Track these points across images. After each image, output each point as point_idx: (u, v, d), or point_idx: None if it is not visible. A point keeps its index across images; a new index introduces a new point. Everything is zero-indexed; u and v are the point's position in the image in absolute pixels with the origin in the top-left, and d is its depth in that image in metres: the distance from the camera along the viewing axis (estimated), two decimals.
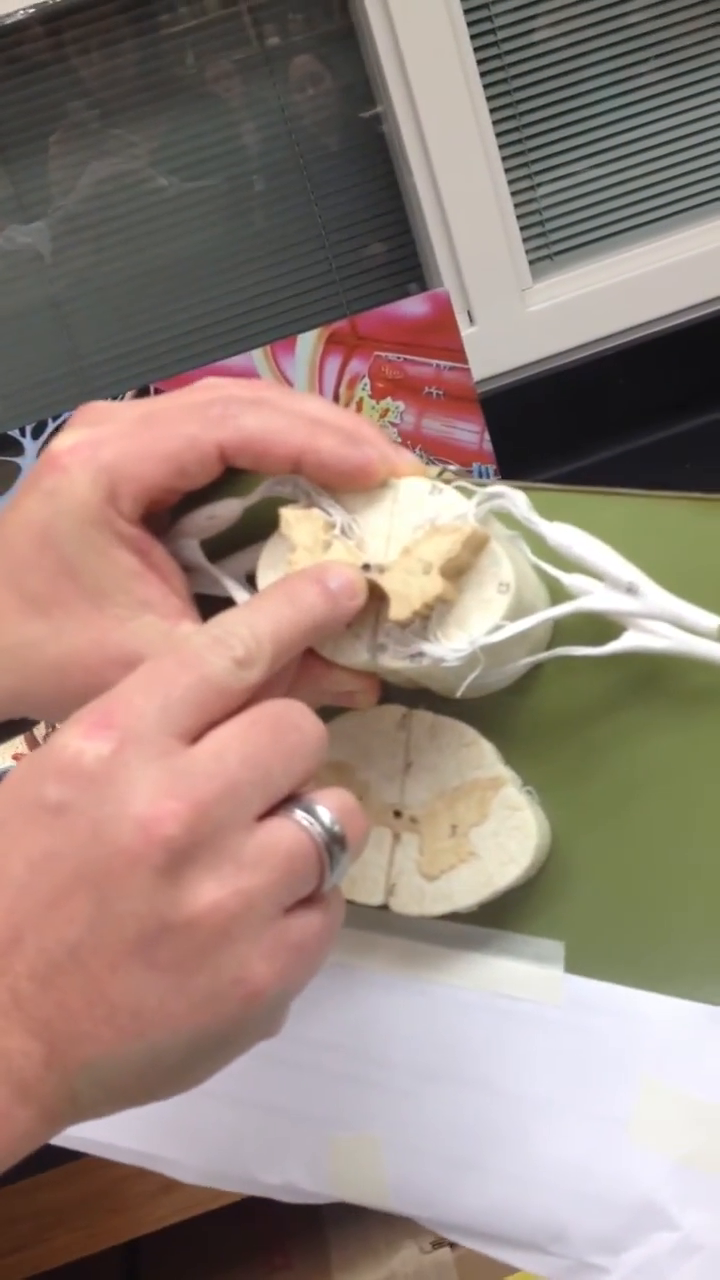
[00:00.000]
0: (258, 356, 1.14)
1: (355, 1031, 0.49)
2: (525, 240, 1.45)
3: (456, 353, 1.15)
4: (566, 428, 1.44)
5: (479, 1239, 0.47)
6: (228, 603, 0.43)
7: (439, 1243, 1.04)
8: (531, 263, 1.45)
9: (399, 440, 1.19)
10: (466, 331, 1.40)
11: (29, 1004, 0.32)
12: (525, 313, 1.44)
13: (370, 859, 0.46)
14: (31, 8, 1.29)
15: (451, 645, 0.41)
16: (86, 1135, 0.50)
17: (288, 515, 0.42)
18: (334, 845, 0.36)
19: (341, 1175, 0.49)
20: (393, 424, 1.17)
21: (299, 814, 0.35)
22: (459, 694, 0.42)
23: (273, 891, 0.34)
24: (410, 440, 1.18)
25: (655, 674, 0.44)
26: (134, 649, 0.40)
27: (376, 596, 0.41)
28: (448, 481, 0.43)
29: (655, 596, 0.42)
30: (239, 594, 0.44)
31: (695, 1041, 0.45)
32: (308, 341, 1.14)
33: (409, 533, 0.41)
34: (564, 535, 0.43)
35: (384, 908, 0.46)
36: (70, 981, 0.32)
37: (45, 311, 1.44)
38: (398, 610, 0.40)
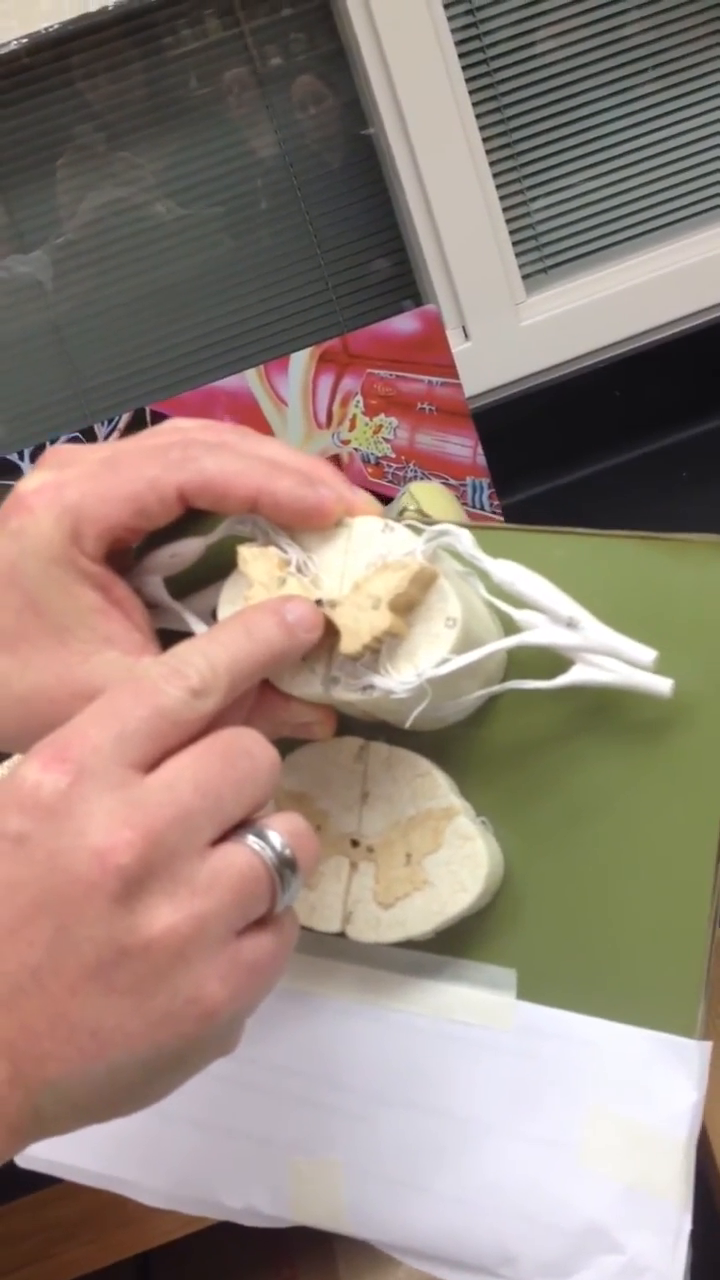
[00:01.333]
0: (251, 377, 1.15)
1: (315, 1057, 0.50)
2: (518, 254, 1.44)
3: (448, 368, 1.16)
4: (563, 440, 1.44)
5: (430, 1262, 0.48)
6: (190, 637, 0.44)
7: None
8: (525, 277, 1.45)
9: (391, 455, 1.20)
10: (461, 347, 1.40)
11: None
12: (519, 326, 1.43)
13: (328, 887, 0.47)
14: (24, 37, 1.31)
15: (400, 678, 0.42)
16: (52, 1158, 0.52)
17: (245, 553, 0.44)
18: (285, 868, 0.37)
19: (301, 1199, 0.50)
20: (387, 440, 1.18)
21: (251, 839, 0.37)
22: (408, 725, 0.44)
23: (225, 914, 0.35)
24: (404, 456, 1.19)
25: (604, 706, 0.46)
26: (96, 683, 0.41)
27: (330, 631, 0.42)
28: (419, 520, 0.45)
29: (594, 630, 0.44)
30: (200, 629, 0.45)
31: (641, 1067, 0.46)
32: (300, 360, 1.15)
33: (362, 569, 0.43)
34: (507, 572, 0.44)
35: (342, 935, 0.48)
36: (32, 1004, 0.34)
37: (45, 337, 1.45)
38: (348, 644, 0.42)
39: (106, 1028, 0.34)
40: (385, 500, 1.20)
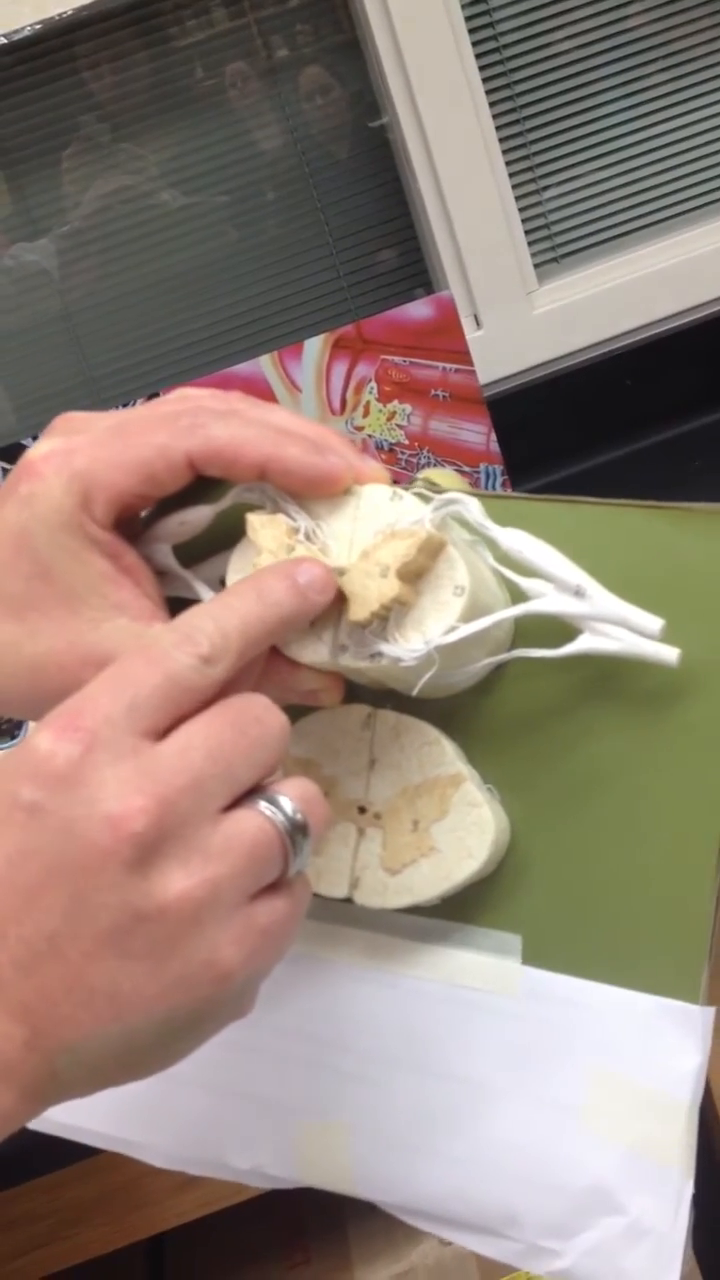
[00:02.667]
0: (265, 362, 1.14)
1: (324, 1021, 0.50)
2: (530, 244, 1.44)
3: (462, 355, 1.16)
4: (574, 429, 1.43)
5: (437, 1223, 0.48)
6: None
7: None
8: (537, 266, 1.45)
9: (404, 441, 1.20)
10: (473, 335, 1.40)
11: (11, 990, 0.34)
12: (531, 315, 1.43)
13: (335, 853, 0.47)
14: (39, 23, 1.31)
15: (408, 646, 0.42)
16: (63, 1120, 0.52)
17: (253, 520, 0.43)
18: (296, 833, 0.37)
19: (309, 1161, 0.50)
20: (400, 426, 1.18)
21: (262, 804, 0.37)
22: (415, 692, 0.43)
23: (239, 879, 0.35)
24: (418, 442, 1.19)
25: (611, 675, 0.45)
26: (107, 650, 0.41)
27: (338, 599, 0.42)
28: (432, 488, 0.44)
29: (601, 599, 0.44)
30: (208, 597, 0.45)
31: (645, 1032, 0.46)
32: (314, 347, 1.15)
33: (370, 538, 0.43)
34: (515, 540, 0.44)
35: (349, 901, 0.48)
36: (49, 969, 0.34)
37: (56, 324, 1.45)
38: (356, 611, 0.42)
39: (123, 991, 0.34)
40: None
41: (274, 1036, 0.50)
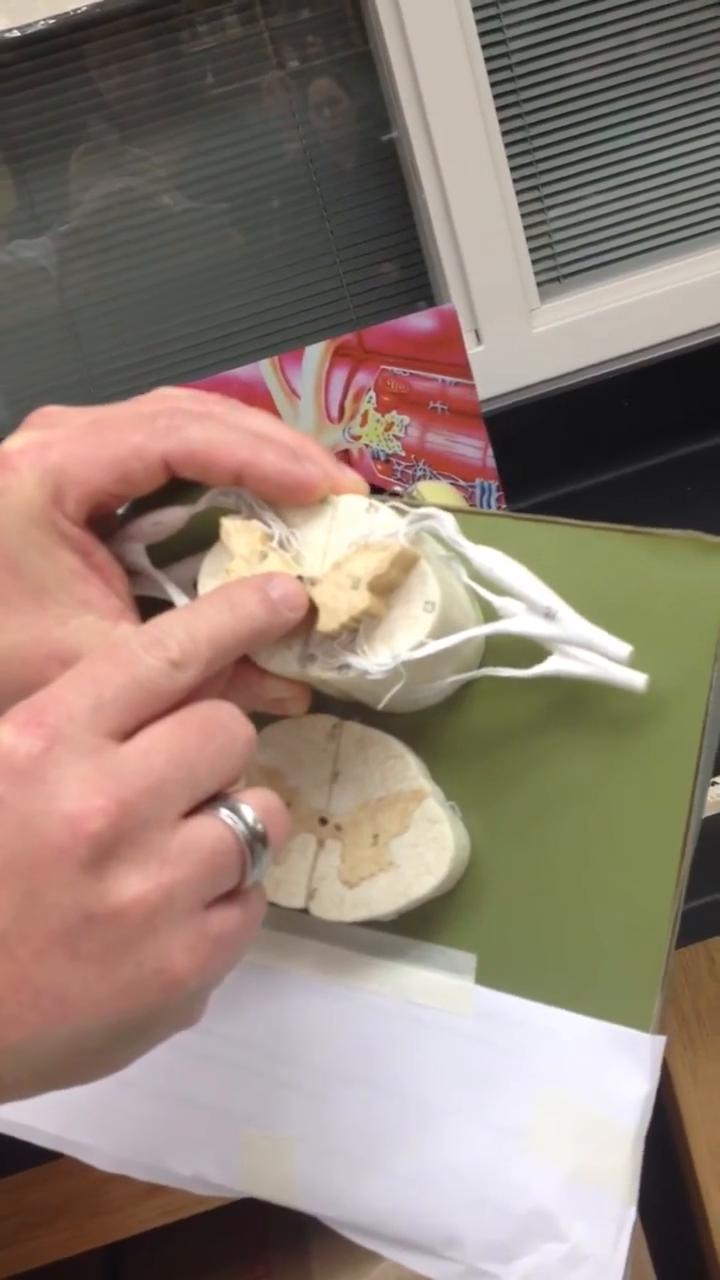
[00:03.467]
0: (265, 367, 1.14)
1: (275, 1032, 0.49)
2: (534, 262, 1.43)
3: (462, 368, 1.15)
4: (570, 448, 1.43)
5: (378, 1240, 0.48)
6: (170, 606, 0.44)
7: None
8: (539, 284, 1.43)
9: (401, 453, 1.20)
10: (473, 351, 1.39)
11: None
12: (532, 334, 1.42)
13: (294, 864, 0.47)
14: (52, 18, 1.31)
15: (376, 659, 0.42)
16: (8, 1118, 0.51)
17: (228, 525, 0.43)
18: (256, 843, 0.37)
19: (252, 1171, 0.49)
20: (397, 437, 1.17)
21: (223, 812, 0.36)
22: (380, 706, 0.43)
23: (195, 886, 0.35)
24: (414, 454, 1.19)
25: (578, 698, 0.45)
26: (73, 647, 0.41)
27: (309, 609, 0.42)
28: (415, 500, 0.44)
29: (571, 622, 0.43)
30: (179, 599, 0.45)
31: (594, 1058, 0.45)
32: (315, 353, 1.14)
33: (344, 549, 0.42)
34: (487, 558, 0.44)
35: (305, 911, 0.47)
36: None
37: (56, 321, 1.45)
38: (325, 622, 0.42)
39: (71, 994, 0.34)
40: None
41: (224, 1044, 0.50)
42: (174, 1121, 0.50)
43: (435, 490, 1.13)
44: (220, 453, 0.42)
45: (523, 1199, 0.46)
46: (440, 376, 1.15)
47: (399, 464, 1.18)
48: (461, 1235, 0.47)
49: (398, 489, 1.18)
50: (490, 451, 1.18)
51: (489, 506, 1.20)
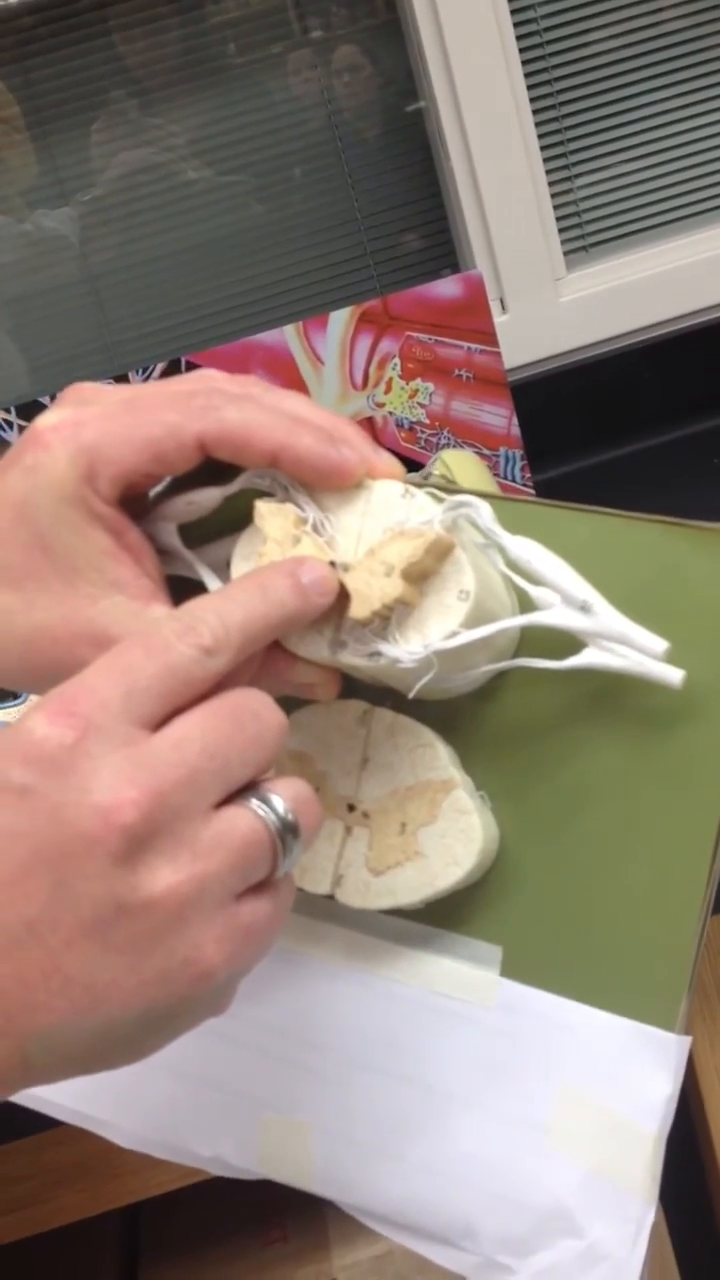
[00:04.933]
0: (290, 333, 1.12)
1: (297, 1017, 0.49)
2: (561, 231, 1.41)
3: (487, 336, 1.13)
4: (594, 419, 1.41)
5: (394, 1228, 0.48)
6: (202, 587, 0.44)
7: None
8: (566, 254, 1.41)
9: (425, 420, 1.19)
10: (499, 320, 1.36)
11: None
12: (558, 303, 1.40)
13: (321, 850, 0.46)
14: None
15: (408, 648, 0.41)
16: (31, 1091, 0.51)
17: (261, 508, 0.42)
18: (287, 834, 0.36)
19: (269, 1155, 0.49)
20: (422, 405, 1.16)
21: (255, 803, 0.36)
22: (411, 695, 0.42)
23: (226, 877, 0.35)
24: (438, 422, 1.17)
25: (613, 691, 0.44)
26: (103, 627, 0.40)
27: (341, 594, 0.41)
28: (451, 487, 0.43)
29: (607, 616, 0.42)
30: (211, 581, 0.44)
31: (618, 1055, 0.45)
32: (340, 319, 1.12)
33: (378, 534, 0.42)
34: (524, 549, 0.43)
35: (330, 898, 0.47)
36: (27, 955, 0.33)
37: (79, 289, 1.44)
38: (358, 609, 0.41)
39: (101, 983, 0.33)
40: (416, 466, 1.18)
41: (247, 1028, 0.50)
42: (195, 1103, 0.50)
43: (459, 459, 1.12)
44: (256, 434, 0.41)
45: (541, 1194, 0.45)
46: (465, 344, 1.14)
47: (423, 432, 1.17)
48: (477, 1227, 0.46)
49: (427, 467, 1.17)
50: (515, 420, 1.17)
51: (513, 476, 1.19)
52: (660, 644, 0.42)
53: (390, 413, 1.16)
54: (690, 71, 1.42)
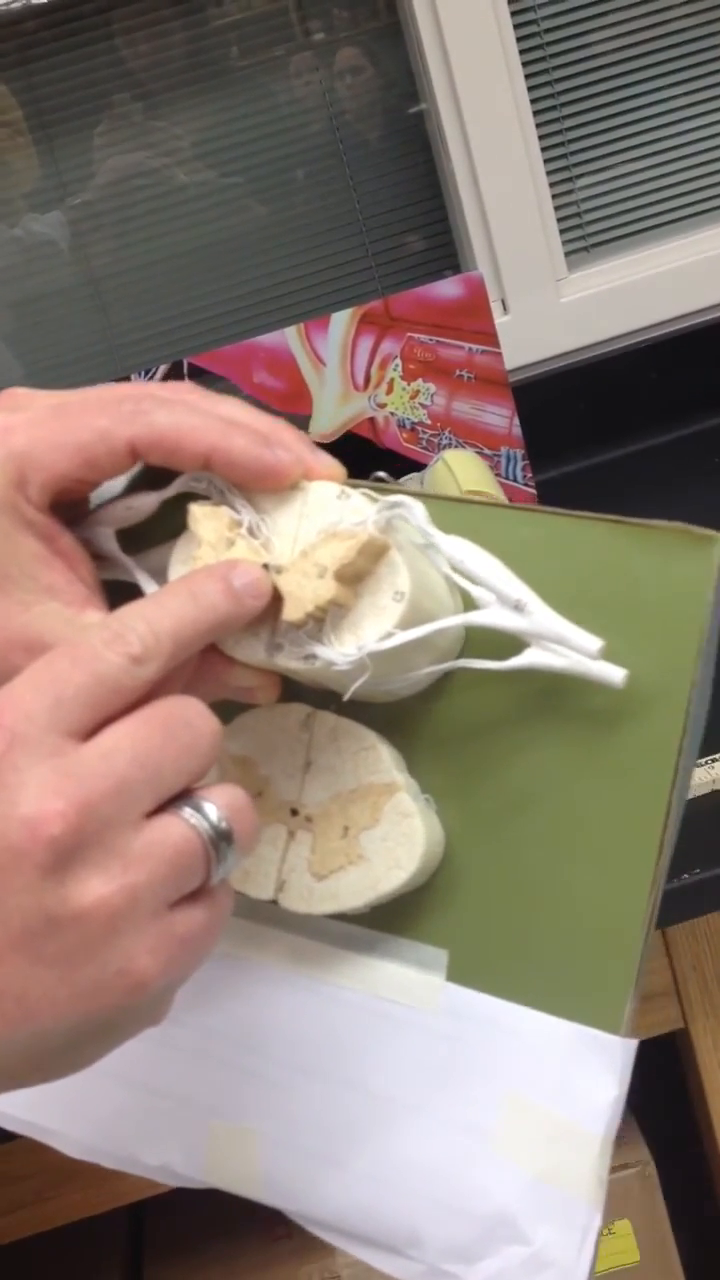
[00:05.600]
0: (291, 334, 1.12)
1: (243, 1023, 0.49)
2: (562, 232, 1.41)
3: (488, 336, 1.13)
4: (596, 419, 1.41)
5: (340, 1236, 0.47)
6: (141, 591, 0.43)
7: None
8: (567, 254, 1.42)
9: (427, 421, 1.19)
10: (500, 320, 1.36)
11: None
12: (559, 303, 1.40)
13: (264, 854, 0.46)
14: None
15: (342, 650, 0.41)
16: None
17: (195, 511, 0.42)
18: (221, 842, 0.36)
19: (216, 1163, 0.48)
20: (423, 405, 1.17)
21: (187, 811, 0.35)
22: (346, 697, 0.42)
23: (158, 887, 0.34)
24: (440, 423, 1.18)
25: (557, 691, 0.43)
26: (36, 633, 0.40)
27: (276, 597, 0.41)
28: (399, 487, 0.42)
29: (541, 615, 0.42)
30: (148, 585, 0.44)
31: (562, 1060, 0.44)
32: (341, 320, 1.12)
33: (314, 536, 0.41)
34: (457, 549, 0.42)
35: (274, 903, 0.46)
36: None
37: (82, 291, 1.45)
38: (291, 611, 0.40)
39: (32, 996, 0.33)
40: (418, 467, 1.19)
41: (193, 1034, 0.49)
42: (142, 1111, 0.50)
43: (461, 459, 1.12)
44: (188, 437, 0.41)
45: (486, 1201, 0.45)
46: (467, 344, 1.14)
47: (425, 432, 1.18)
48: (423, 1234, 0.46)
49: (429, 467, 1.17)
50: (516, 420, 1.18)
51: (514, 475, 1.20)
52: (595, 643, 0.42)
53: (392, 413, 1.17)
54: (691, 71, 1.42)
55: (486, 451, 1.18)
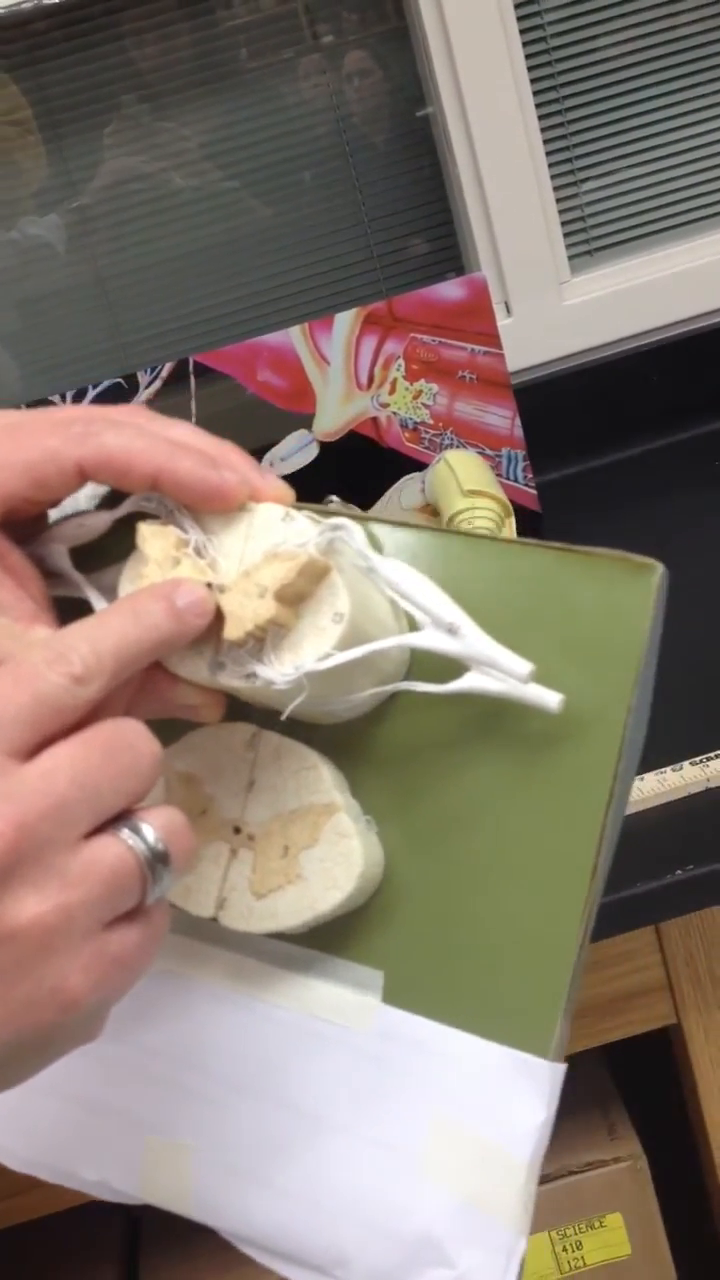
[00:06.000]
0: (295, 334, 1.13)
1: (181, 1039, 0.49)
2: (566, 235, 1.42)
3: (491, 338, 1.14)
4: (598, 422, 1.42)
5: (268, 1255, 0.47)
6: (92, 608, 0.44)
7: None
8: (571, 258, 1.43)
9: (429, 421, 1.20)
10: (504, 323, 1.37)
11: None
12: (562, 306, 1.41)
13: (206, 872, 0.46)
14: None
15: (281, 669, 0.41)
16: None
17: (144, 529, 0.43)
18: (158, 863, 0.36)
19: (150, 1179, 0.48)
20: (426, 406, 1.18)
21: (125, 832, 0.36)
22: (284, 716, 0.43)
23: (93, 907, 0.35)
24: (442, 423, 1.19)
25: (498, 714, 0.44)
26: None
27: (219, 616, 0.42)
28: (337, 509, 0.44)
29: (474, 639, 0.43)
30: (98, 602, 0.45)
31: (492, 1082, 0.44)
32: (345, 321, 1.13)
33: (258, 556, 0.42)
34: (394, 571, 0.43)
35: (214, 920, 0.47)
36: None
37: (88, 290, 1.46)
38: (231, 630, 0.41)
39: None
40: (419, 467, 1.20)
41: (131, 1051, 0.49)
42: (80, 1125, 0.50)
43: (463, 459, 1.13)
44: (136, 459, 0.41)
45: (412, 1223, 0.45)
46: (469, 345, 1.15)
47: (427, 432, 1.19)
48: (350, 1256, 0.46)
49: (431, 467, 1.18)
50: (518, 421, 1.19)
51: (516, 476, 1.21)
52: (525, 666, 0.42)
53: (395, 413, 1.18)
54: (696, 77, 1.43)
55: (488, 452, 1.19)
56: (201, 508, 0.43)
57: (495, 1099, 0.44)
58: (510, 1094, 0.44)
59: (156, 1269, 1.09)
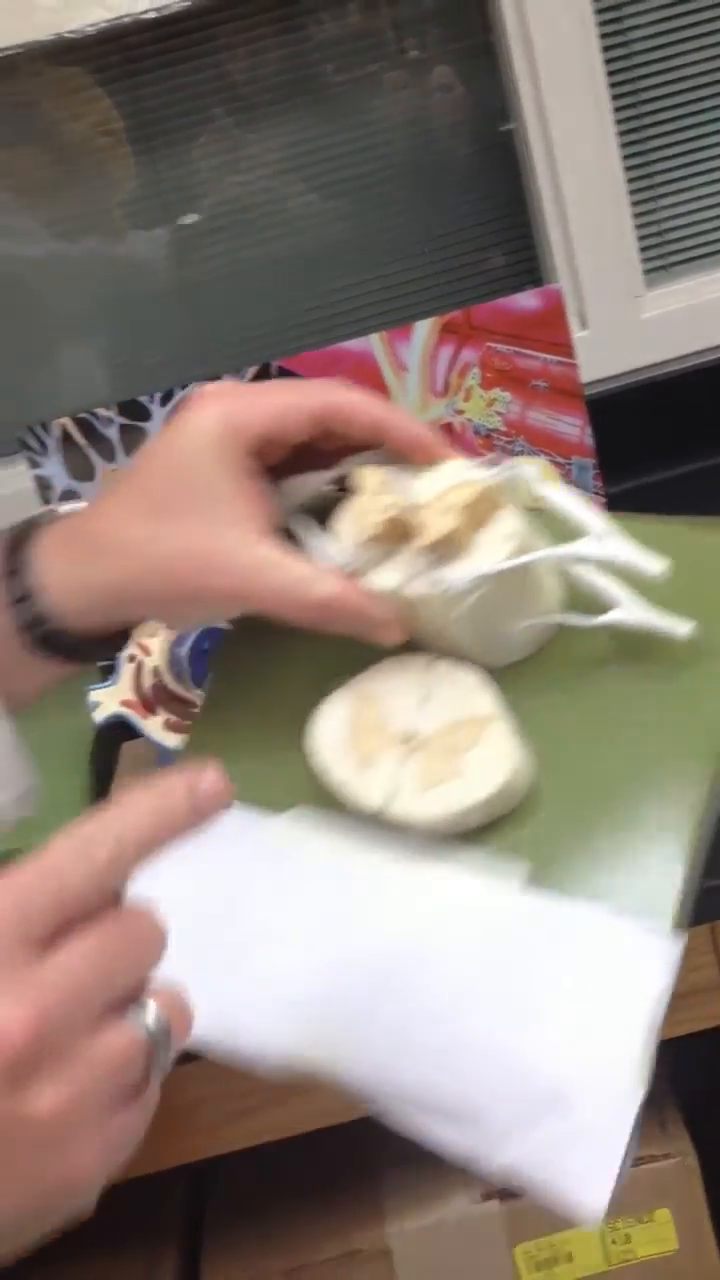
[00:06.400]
0: (375, 341, 1.16)
1: (338, 919, 0.54)
2: (643, 250, 1.44)
3: (565, 348, 1.16)
4: (670, 435, 1.43)
5: (404, 1104, 0.50)
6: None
7: (489, 1194, 1.07)
8: (647, 272, 1.44)
9: (502, 428, 1.23)
10: (579, 335, 1.40)
11: None
12: (638, 319, 1.44)
13: (380, 770, 0.53)
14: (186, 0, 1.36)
15: (462, 574, 0.51)
16: None
17: (360, 470, 0.54)
18: (161, 1042, 0.38)
19: (298, 1045, 0.51)
20: (499, 413, 1.21)
21: (134, 1014, 0.38)
22: (453, 616, 0.52)
23: (104, 1094, 0.36)
24: (514, 430, 1.21)
25: (636, 644, 0.53)
26: (212, 550, 0.51)
27: (412, 530, 0.51)
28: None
29: (614, 543, 0.53)
30: (308, 534, 0.55)
31: (621, 953, 0.50)
32: (423, 329, 1.16)
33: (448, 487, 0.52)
34: (561, 496, 0.54)
35: (379, 814, 0.53)
36: None
37: (178, 295, 1.50)
38: (425, 537, 0.51)
39: None
40: None
41: (296, 929, 0.54)
42: (245, 996, 0.53)
43: (533, 467, 1.16)
44: (361, 409, 0.53)
45: (538, 1079, 0.49)
46: (543, 355, 1.18)
47: (499, 439, 1.22)
48: (481, 1107, 0.49)
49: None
50: (589, 430, 1.21)
51: (586, 485, 1.23)
52: (658, 565, 0.52)
53: (469, 420, 1.21)
54: None
55: (558, 459, 1.22)
56: (410, 454, 0.54)
57: (622, 967, 0.50)
58: (636, 962, 0.49)
59: (215, 1257, 1.12)
